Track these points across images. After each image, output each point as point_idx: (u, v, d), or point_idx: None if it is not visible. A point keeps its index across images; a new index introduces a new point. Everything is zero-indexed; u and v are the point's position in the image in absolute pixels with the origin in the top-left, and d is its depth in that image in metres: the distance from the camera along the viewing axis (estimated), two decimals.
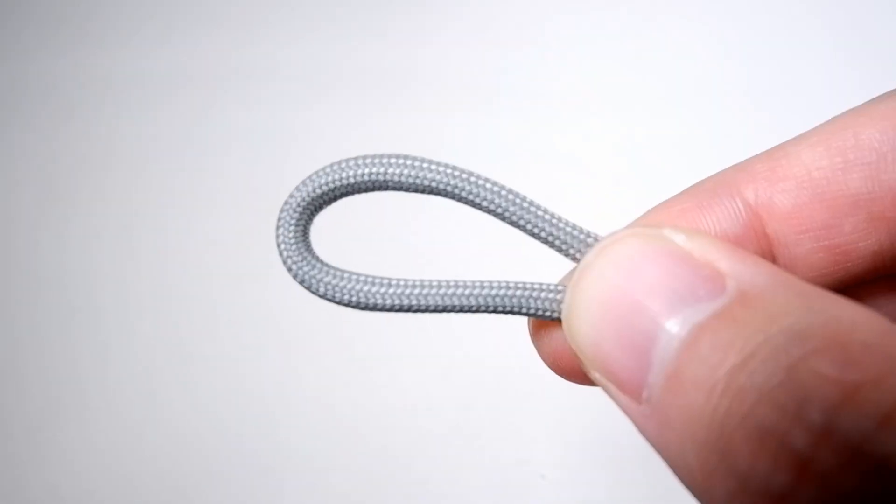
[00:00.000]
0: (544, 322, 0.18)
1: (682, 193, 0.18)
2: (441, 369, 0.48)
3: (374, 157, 0.17)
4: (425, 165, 0.17)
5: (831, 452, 0.11)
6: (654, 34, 0.56)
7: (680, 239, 0.14)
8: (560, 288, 0.17)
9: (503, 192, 0.17)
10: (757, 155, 0.18)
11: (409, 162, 0.17)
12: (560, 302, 0.17)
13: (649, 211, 0.18)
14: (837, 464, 0.11)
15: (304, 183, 0.18)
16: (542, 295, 0.17)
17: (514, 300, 0.17)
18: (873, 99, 0.17)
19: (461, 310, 0.18)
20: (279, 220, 0.18)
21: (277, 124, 0.56)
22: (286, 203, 0.18)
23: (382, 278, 0.18)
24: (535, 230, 0.17)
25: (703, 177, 0.19)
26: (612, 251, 0.15)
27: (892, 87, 0.17)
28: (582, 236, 0.18)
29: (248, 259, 0.52)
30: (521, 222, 0.17)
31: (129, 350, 0.52)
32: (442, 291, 0.17)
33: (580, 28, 0.57)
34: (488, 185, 0.17)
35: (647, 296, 0.14)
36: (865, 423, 0.11)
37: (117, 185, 0.56)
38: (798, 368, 0.11)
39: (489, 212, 0.17)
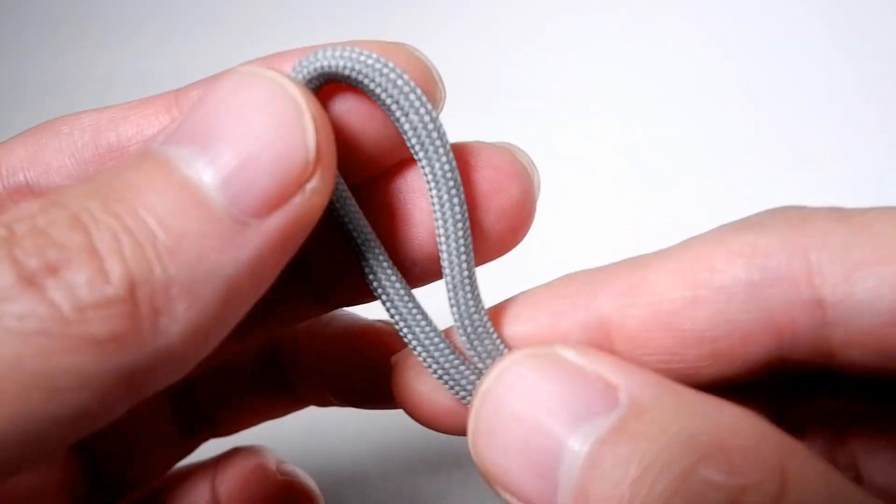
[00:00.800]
0: (406, 370, 0.20)
1: (544, 290, 0.19)
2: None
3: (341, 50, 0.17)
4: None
5: None
6: (654, 34, 0.56)
7: (570, 355, 0.15)
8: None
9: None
10: (621, 265, 0.18)
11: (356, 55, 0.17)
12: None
13: (513, 298, 0.19)
14: None
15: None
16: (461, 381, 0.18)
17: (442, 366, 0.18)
18: (737, 224, 0.17)
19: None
20: None
21: None
22: None
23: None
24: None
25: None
26: (509, 375, 0.16)
27: (776, 206, 0.18)
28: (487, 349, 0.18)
29: None
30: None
31: None
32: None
33: (580, 28, 0.57)
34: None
35: (548, 416, 0.15)
36: None
37: None
38: (690, 477, 0.13)
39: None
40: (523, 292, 0.19)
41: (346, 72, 0.17)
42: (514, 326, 0.19)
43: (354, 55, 0.17)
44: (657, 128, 0.53)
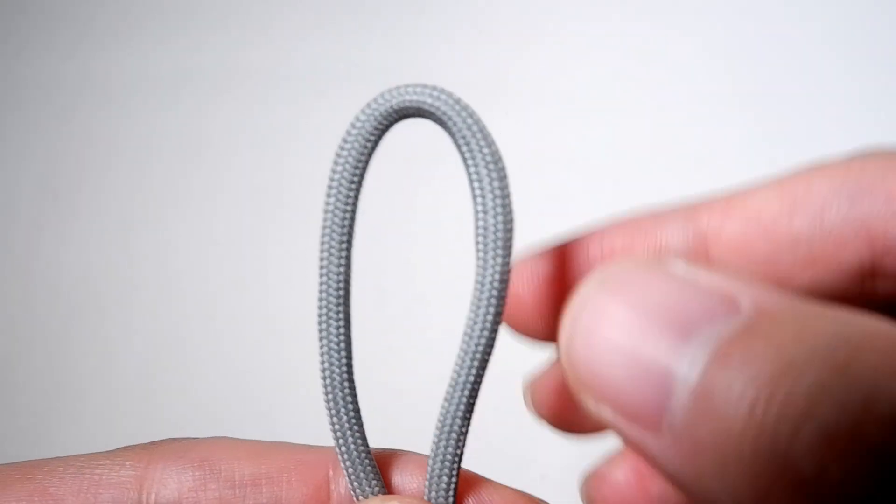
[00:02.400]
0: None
1: (643, 211, 0.20)
2: (441, 369, 0.48)
3: (415, 85, 0.18)
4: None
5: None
6: (654, 34, 0.56)
7: (681, 267, 0.14)
8: None
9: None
10: (719, 194, 0.20)
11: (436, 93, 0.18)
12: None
13: (608, 224, 0.20)
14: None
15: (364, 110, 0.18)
16: None
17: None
18: (830, 159, 0.19)
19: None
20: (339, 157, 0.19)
21: (277, 124, 0.56)
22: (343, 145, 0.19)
23: None
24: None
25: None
26: (614, 282, 0.14)
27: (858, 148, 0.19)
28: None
29: (248, 258, 0.52)
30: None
31: (129, 349, 0.52)
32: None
33: (581, 28, 0.57)
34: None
35: (660, 323, 0.13)
36: None
37: (117, 184, 0.56)
38: (851, 367, 0.11)
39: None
40: (611, 221, 0.20)
41: (428, 108, 0.18)
42: (606, 242, 0.19)
43: (436, 93, 0.18)
44: (658, 128, 0.53)
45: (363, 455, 0.20)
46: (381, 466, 0.20)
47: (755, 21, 0.56)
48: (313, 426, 0.49)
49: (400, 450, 0.21)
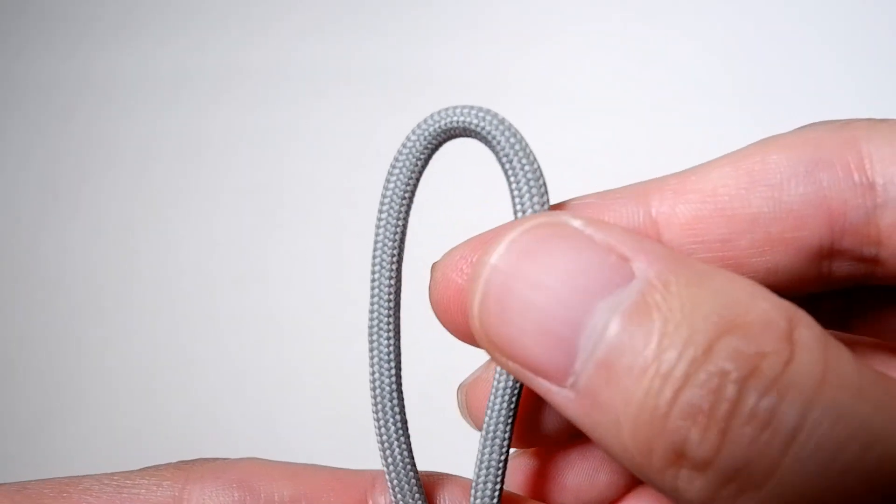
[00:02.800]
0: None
1: (591, 195, 0.20)
2: (440, 369, 0.48)
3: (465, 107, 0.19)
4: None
5: (740, 421, 0.13)
6: (655, 34, 0.56)
7: (578, 224, 0.15)
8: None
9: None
10: (669, 175, 0.19)
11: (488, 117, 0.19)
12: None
13: (555, 205, 0.20)
14: (750, 430, 0.13)
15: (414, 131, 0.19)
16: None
17: None
18: (783, 133, 0.18)
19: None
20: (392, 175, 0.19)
21: (277, 124, 0.56)
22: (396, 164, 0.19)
23: None
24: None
25: None
26: (520, 244, 0.15)
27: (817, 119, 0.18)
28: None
29: (248, 258, 0.52)
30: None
31: (129, 349, 0.52)
32: None
33: (581, 28, 0.57)
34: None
35: (563, 286, 0.15)
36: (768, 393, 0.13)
37: (116, 184, 0.56)
38: (715, 348, 0.13)
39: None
40: (562, 202, 0.20)
41: (474, 127, 0.19)
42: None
43: (482, 113, 0.19)
44: (658, 128, 0.54)
45: (409, 468, 0.20)
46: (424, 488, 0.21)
47: (755, 21, 0.56)
48: (312, 426, 0.49)
49: (444, 473, 0.21)
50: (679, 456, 0.13)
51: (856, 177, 0.17)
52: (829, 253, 0.17)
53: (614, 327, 0.14)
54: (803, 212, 0.17)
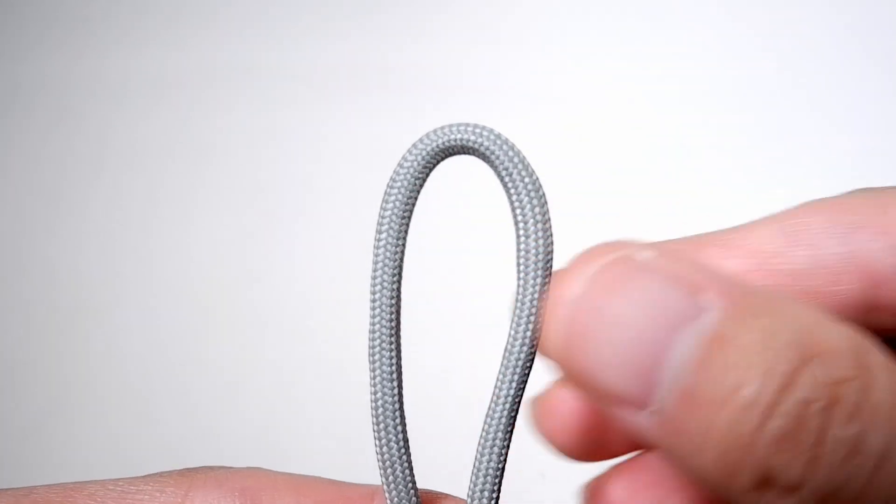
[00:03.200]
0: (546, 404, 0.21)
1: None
2: (439, 369, 0.48)
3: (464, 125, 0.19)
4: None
5: (829, 448, 0.14)
6: (655, 33, 0.57)
7: (650, 256, 0.16)
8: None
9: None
10: (708, 234, 0.20)
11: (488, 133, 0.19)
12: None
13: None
14: (839, 457, 0.14)
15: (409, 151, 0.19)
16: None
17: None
18: (825, 197, 0.20)
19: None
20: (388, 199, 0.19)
21: (277, 124, 0.56)
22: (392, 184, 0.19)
23: None
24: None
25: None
26: (597, 279, 0.16)
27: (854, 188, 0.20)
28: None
29: (248, 257, 0.53)
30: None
31: (127, 350, 0.52)
32: None
33: (581, 27, 0.57)
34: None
35: (643, 320, 0.15)
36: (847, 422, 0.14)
37: (115, 184, 0.56)
38: (797, 377, 0.14)
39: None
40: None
41: (472, 144, 0.19)
42: None
43: (479, 130, 0.19)
44: (658, 128, 0.54)
45: (409, 487, 0.20)
46: None
47: (755, 21, 0.56)
48: (312, 426, 0.49)
49: (441, 492, 0.21)
50: (766, 481, 0.14)
51: (886, 238, 0.18)
52: (871, 307, 0.19)
53: (693, 358, 0.15)
54: (838, 268, 0.19)
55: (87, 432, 0.50)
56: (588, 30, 0.57)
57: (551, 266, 0.19)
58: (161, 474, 0.21)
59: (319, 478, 0.21)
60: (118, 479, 0.20)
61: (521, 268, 0.19)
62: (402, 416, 0.20)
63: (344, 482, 0.21)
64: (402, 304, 0.20)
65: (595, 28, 0.57)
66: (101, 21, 0.60)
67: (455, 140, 0.19)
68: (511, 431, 0.19)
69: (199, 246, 0.54)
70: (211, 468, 0.21)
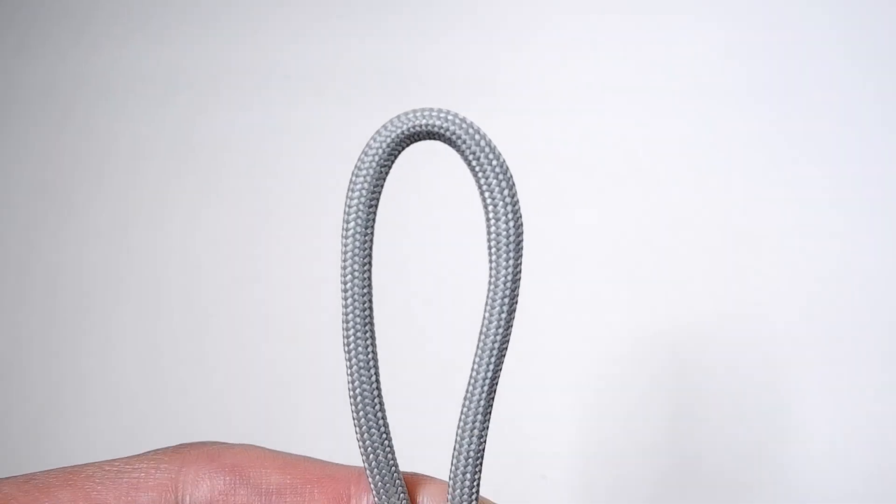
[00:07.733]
0: None
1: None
2: (440, 369, 0.48)
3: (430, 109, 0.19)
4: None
5: None
6: (655, 33, 0.56)
7: None
8: None
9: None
10: None
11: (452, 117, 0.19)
12: None
13: None
14: None
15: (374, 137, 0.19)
16: None
17: None
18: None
19: None
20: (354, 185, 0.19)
21: (276, 124, 0.56)
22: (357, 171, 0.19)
23: None
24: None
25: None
26: None
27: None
28: None
29: (246, 257, 0.53)
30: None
31: (127, 348, 0.52)
32: None
33: (581, 27, 0.57)
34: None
35: None
36: None
37: (115, 184, 0.56)
38: None
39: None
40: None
41: (438, 129, 0.19)
42: None
43: (444, 114, 0.19)
44: (658, 128, 0.54)
45: (392, 471, 0.20)
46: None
47: (755, 21, 0.56)
48: (311, 426, 0.49)
49: (424, 474, 0.22)
50: None
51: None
52: None
53: None
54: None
55: (87, 432, 0.50)
56: (588, 30, 0.57)
57: (521, 247, 0.19)
58: (156, 451, 0.21)
59: (308, 457, 0.21)
60: (114, 460, 0.21)
61: (493, 250, 0.19)
62: (381, 403, 0.20)
63: (331, 462, 0.21)
64: (375, 291, 0.20)
65: (595, 28, 0.57)
66: (102, 21, 0.60)
67: (421, 125, 0.19)
68: (489, 414, 0.19)
69: (200, 246, 0.54)
70: (203, 443, 0.22)
